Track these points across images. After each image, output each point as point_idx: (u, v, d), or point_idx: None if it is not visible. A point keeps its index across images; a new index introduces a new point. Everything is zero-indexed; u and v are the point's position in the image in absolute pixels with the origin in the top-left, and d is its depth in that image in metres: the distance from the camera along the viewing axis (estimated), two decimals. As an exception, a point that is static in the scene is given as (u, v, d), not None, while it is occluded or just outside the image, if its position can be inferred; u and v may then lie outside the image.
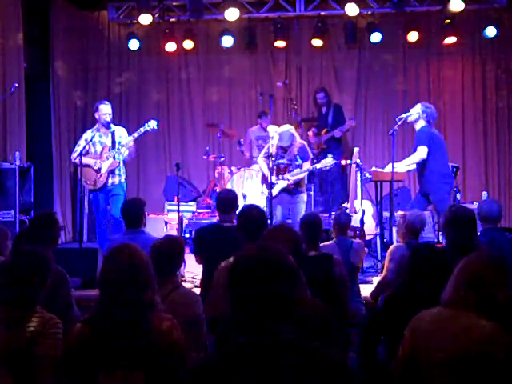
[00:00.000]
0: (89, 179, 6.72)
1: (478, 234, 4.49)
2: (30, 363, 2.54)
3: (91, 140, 6.70)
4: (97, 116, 6.82)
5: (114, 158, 6.70)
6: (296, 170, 6.63)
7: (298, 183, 6.67)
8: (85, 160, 6.62)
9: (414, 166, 6.38)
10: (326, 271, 3.81)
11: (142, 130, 6.72)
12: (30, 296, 2.68)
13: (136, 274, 2.46)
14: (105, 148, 6.74)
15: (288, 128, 6.77)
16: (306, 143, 7.01)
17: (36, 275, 2.72)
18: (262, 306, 1.76)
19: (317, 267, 3.66)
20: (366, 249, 5.29)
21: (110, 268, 2.51)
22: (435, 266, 3.00)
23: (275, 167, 6.65)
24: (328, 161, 6.77)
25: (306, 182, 7.13)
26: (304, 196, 6.78)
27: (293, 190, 6.68)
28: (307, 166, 6.69)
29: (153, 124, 6.74)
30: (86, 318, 2.52)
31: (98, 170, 6.68)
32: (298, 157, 6.67)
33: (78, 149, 6.71)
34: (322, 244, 4.91)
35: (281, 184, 6.64)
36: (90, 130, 6.86)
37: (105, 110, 6.79)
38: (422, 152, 6.18)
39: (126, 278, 2.44)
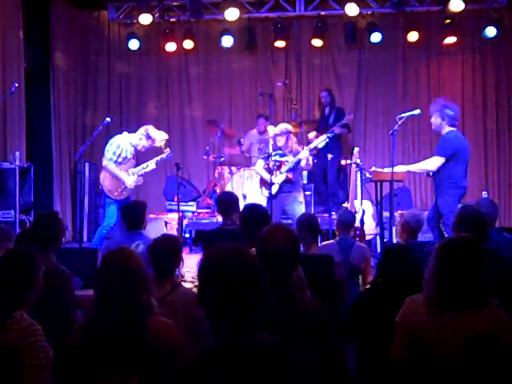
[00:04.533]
0: (114, 189, 6.72)
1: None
2: (14, 372, 2.48)
3: (122, 152, 6.74)
4: (142, 140, 6.75)
5: (138, 175, 6.81)
6: (290, 158, 6.70)
7: (290, 180, 6.71)
8: (118, 172, 6.68)
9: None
10: (327, 273, 3.80)
11: (163, 156, 6.90)
12: (15, 298, 2.63)
13: (130, 277, 2.44)
14: (129, 164, 6.81)
15: (285, 125, 6.90)
16: (299, 149, 7.03)
17: (20, 278, 2.68)
18: (235, 311, 1.76)
19: (317, 268, 3.65)
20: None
21: (103, 272, 2.49)
22: (403, 268, 3.00)
23: (275, 167, 6.68)
24: (320, 139, 6.78)
25: (301, 181, 7.15)
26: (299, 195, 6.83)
27: (290, 189, 6.72)
28: (299, 155, 6.73)
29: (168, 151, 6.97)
30: (83, 324, 2.51)
31: (123, 183, 6.71)
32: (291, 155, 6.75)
33: (112, 156, 6.67)
34: (322, 243, 4.91)
35: (279, 178, 6.68)
36: (128, 142, 6.78)
37: (147, 144, 6.81)
38: (433, 163, 5.88)
39: (119, 282, 2.42)
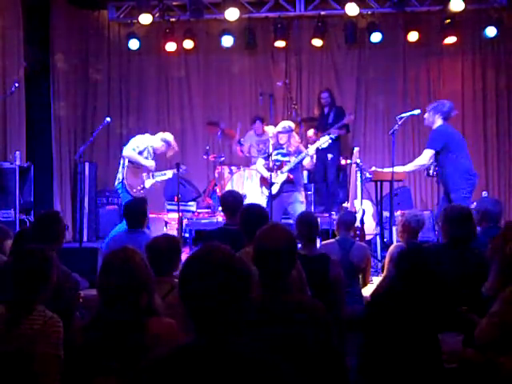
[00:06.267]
0: (135, 185, 6.84)
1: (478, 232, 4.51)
2: (31, 362, 2.53)
3: (144, 151, 6.90)
4: (162, 146, 6.96)
5: (155, 180, 6.99)
6: (292, 159, 6.68)
7: (291, 180, 6.68)
8: (141, 159, 6.83)
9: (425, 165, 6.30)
10: (323, 272, 3.79)
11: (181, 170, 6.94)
12: (31, 295, 2.67)
13: (129, 277, 2.43)
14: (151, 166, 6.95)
15: (287, 122, 6.87)
16: (301, 146, 7.01)
17: (38, 274, 2.71)
18: (210, 309, 1.75)
19: (314, 267, 3.64)
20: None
21: (103, 272, 2.50)
22: (418, 267, 3.00)
23: (275, 166, 6.68)
24: (323, 139, 6.76)
25: (302, 181, 7.13)
26: (300, 195, 6.80)
27: (291, 188, 6.70)
28: (302, 154, 6.70)
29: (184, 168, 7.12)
30: (86, 323, 2.51)
31: (143, 183, 6.89)
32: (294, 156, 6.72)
33: (134, 147, 6.82)
34: (323, 242, 4.90)
35: (280, 178, 6.67)
36: (148, 143, 6.93)
37: (164, 150, 7.01)
38: (424, 156, 6.07)
39: (118, 282, 2.42)
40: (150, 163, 6.92)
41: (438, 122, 6.08)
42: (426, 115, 6.17)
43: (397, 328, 2.90)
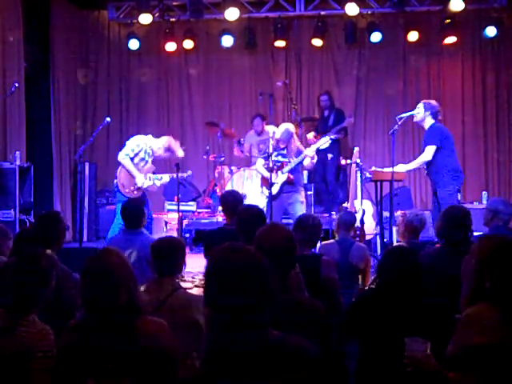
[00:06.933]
0: (127, 185, 6.76)
1: (484, 231, 4.52)
2: (21, 373, 2.48)
3: (140, 152, 6.81)
4: (161, 151, 6.86)
5: (153, 182, 6.88)
6: (292, 160, 6.67)
7: (291, 181, 6.68)
8: (132, 168, 6.72)
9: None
10: (313, 272, 3.76)
11: (184, 175, 6.93)
12: (29, 299, 2.64)
13: (104, 277, 2.41)
14: (149, 167, 6.86)
15: (287, 126, 6.83)
16: (301, 146, 7.00)
17: (36, 278, 2.68)
18: (236, 306, 1.78)
19: (304, 267, 3.61)
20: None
21: (82, 273, 2.49)
22: (402, 269, 3.00)
23: (275, 167, 6.67)
24: (323, 140, 6.75)
25: (302, 181, 7.13)
26: (300, 196, 6.79)
27: (291, 189, 6.69)
28: (302, 155, 6.68)
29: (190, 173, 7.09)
30: (73, 324, 2.50)
31: (136, 184, 6.76)
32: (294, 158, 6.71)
33: (129, 152, 6.74)
34: (323, 242, 4.88)
35: (280, 179, 6.66)
36: (149, 145, 6.84)
37: (163, 155, 6.94)
38: (428, 153, 6.14)
39: (94, 281, 2.41)
40: (139, 179, 6.73)
41: (429, 120, 6.24)
42: (416, 110, 6.29)
43: (378, 330, 2.90)
